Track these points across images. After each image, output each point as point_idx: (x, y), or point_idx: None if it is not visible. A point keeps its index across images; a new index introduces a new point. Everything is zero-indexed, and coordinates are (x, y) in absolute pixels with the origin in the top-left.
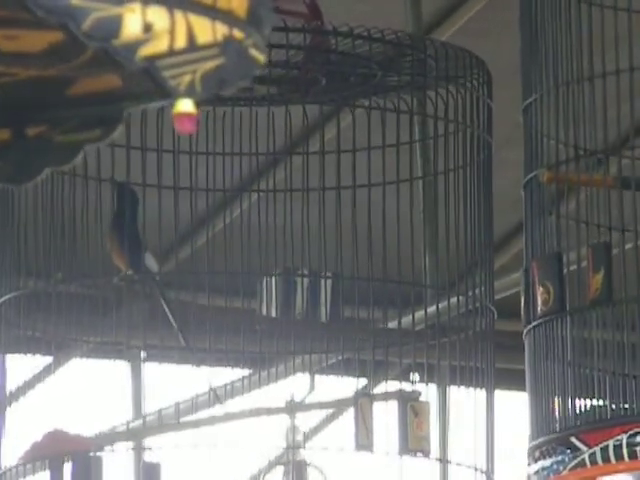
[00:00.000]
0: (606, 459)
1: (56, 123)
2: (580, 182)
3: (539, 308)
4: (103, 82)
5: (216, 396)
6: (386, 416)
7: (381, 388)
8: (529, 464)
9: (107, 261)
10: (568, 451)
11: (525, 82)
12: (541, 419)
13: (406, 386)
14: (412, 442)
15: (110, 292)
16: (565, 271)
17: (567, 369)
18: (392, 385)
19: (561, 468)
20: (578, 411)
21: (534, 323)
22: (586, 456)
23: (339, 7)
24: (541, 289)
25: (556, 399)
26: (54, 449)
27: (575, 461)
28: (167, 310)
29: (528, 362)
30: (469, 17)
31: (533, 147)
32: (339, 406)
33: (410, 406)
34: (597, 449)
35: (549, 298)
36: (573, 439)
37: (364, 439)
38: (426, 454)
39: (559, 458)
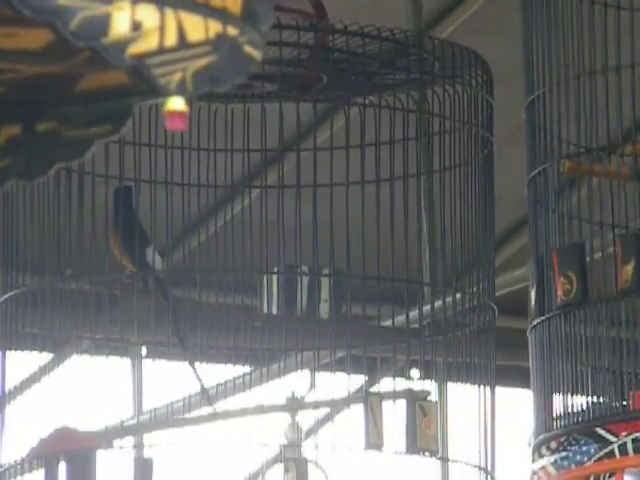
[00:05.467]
0: (638, 450)
1: (66, 119)
2: (605, 173)
3: (559, 299)
4: (110, 78)
5: (207, 397)
6: (393, 415)
7: (389, 386)
8: (540, 457)
9: (115, 258)
10: (575, 444)
11: (528, 79)
12: (556, 412)
13: (415, 385)
14: (421, 441)
15: (117, 289)
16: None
17: (588, 360)
18: (399, 384)
19: (585, 459)
20: (600, 403)
21: (551, 313)
22: (615, 447)
23: (338, 5)
24: (562, 279)
25: (577, 392)
26: (62, 446)
27: (603, 451)
28: (167, 308)
29: (538, 354)
30: (468, 15)
31: (536, 144)
32: (347, 404)
33: (419, 405)
34: (628, 440)
35: (572, 288)
36: (599, 430)
37: (375, 438)
38: (434, 453)
39: (583, 449)
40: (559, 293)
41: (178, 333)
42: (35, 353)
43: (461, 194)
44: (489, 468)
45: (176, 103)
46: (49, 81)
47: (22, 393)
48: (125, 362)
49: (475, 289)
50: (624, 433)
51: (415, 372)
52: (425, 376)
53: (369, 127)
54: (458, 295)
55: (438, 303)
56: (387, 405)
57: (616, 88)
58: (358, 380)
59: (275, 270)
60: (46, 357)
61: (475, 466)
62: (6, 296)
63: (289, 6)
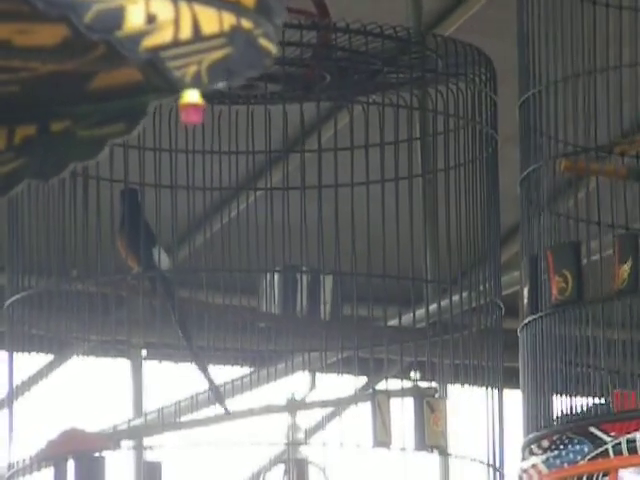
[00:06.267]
0: (633, 450)
1: (80, 118)
2: (602, 172)
3: (554, 297)
4: (124, 76)
5: (219, 397)
6: (401, 412)
7: (396, 384)
8: (531, 455)
9: (120, 259)
10: (568, 443)
11: (522, 78)
12: (549, 411)
13: (422, 383)
14: (429, 438)
15: (123, 290)
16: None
17: (581, 359)
18: (403, 383)
19: (579, 458)
20: (595, 403)
21: (543, 312)
22: (610, 446)
23: (339, 4)
24: (557, 278)
25: (569, 392)
26: (70, 447)
27: (597, 451)
28: (170, 309)
29: (529, 353)
30: (469, 15)
31: (529, 143)
32: (355, 402)
33: (426, 402)
34: (623, 439)
35: (567, 287)
36: (593, 429)
37: (383, 436)
38: (442, 450)
39: (576, 448)
40: (554, 292)
41: (185, 334)
42: (42, 355)
43: (466, 192)
44: (498, 465)
45: (191, 96)
46: (63, 79)
47: (23, 395)
48: (129, 363)
49: (482, 287)
50: (618, 433)
51: (415, 373)
52: (430, 377)
53: (373, 126)
54: (465, 294)
55: (444, 302)
56: (395, 402)
57: (612, 88)
58: (363, 380)
59: (279, 270)
60: (50, 358)
61: (484, 463)
62: (13, 299)
63: (291, 5)
